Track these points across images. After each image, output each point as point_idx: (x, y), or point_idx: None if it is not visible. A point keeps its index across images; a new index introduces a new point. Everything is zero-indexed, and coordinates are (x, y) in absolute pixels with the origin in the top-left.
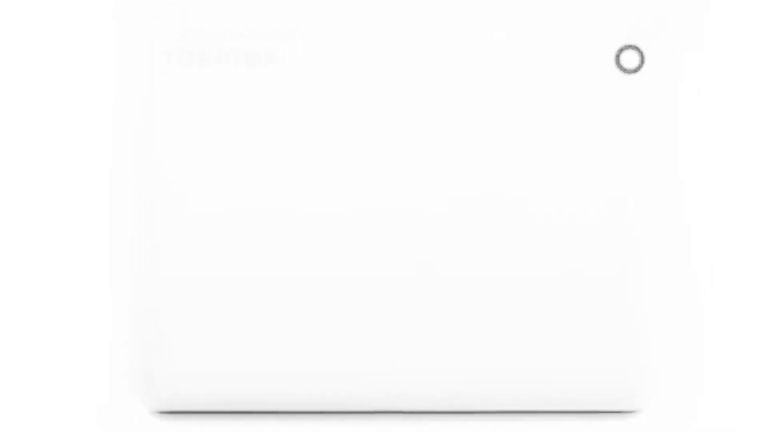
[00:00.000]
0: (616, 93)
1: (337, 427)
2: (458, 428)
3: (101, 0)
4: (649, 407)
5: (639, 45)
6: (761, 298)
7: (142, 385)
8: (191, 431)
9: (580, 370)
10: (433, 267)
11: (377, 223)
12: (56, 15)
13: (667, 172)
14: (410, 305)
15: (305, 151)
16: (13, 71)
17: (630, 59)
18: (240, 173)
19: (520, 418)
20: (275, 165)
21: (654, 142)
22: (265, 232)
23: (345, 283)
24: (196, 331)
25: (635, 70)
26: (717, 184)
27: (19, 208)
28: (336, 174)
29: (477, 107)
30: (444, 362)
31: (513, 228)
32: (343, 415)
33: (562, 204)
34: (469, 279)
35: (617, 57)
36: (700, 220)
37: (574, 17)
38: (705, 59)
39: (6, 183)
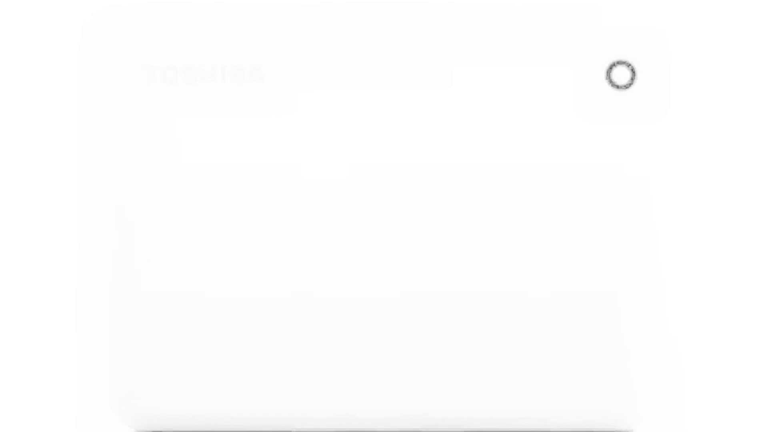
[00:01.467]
0: (607, 108)
1: None
2: None
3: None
4: (640, 428)
5: (630, 61)
6: (753, 317)
7: (122, 404)
8: None
9: (572, 391)
10: (424, 285)
11: (358, 253)
12: (46, 23)
13: (660, 182)
14: (394, 326)
15: (290, 173)
16: None
17: (621, 75)
18: (222, 191)
19: None
20: (259, 187)
21: (646, 155)
22: (245, 252)
23: (324, 306)
24: (176, 350)
25: (627, 86)
26: (710, 198)
27: None
28: (319, 194)
29: (465, 123)
30: (434, 383)
31: (504, 242)
32: None
33: (553, 217)
34: (460, 297)
35: (608, 73)
36: (692, 236)
37: (565, 33)
38: (697, 74)
39: None
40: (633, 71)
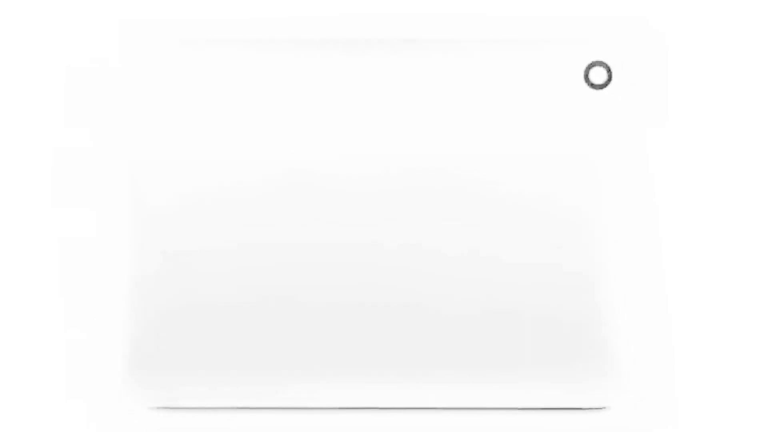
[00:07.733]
0: (585, 108)
1: (331, 423)
2: (433, 424)
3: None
4: (616, 404)
5: (607, 62)
6: (732, 296)
7: (140, 380)
8: (188, 427)
9: (551, 367)
10: (415, 270)
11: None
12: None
13: (635, 185)
14: (394, 308)
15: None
16: None
17: (598, 75)
18: (229, 165)
19: (489, 414)
20: (267, 162)
21: (621, 155)
22: (259, 228)
23: (335, 284)
24: (193, 326)
25: (603, 86)
26: (684, 195)
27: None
28: (326, 172)
29: (452, 116)
30: (424, 361)
31: (482, 225)
32: (337, 411)
33: (531, 208)
34: (446, 273)
35: (586, 73)
36: (668, 223)
37: (545, 34)
38: (671, 75)
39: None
40: (609, 72)
